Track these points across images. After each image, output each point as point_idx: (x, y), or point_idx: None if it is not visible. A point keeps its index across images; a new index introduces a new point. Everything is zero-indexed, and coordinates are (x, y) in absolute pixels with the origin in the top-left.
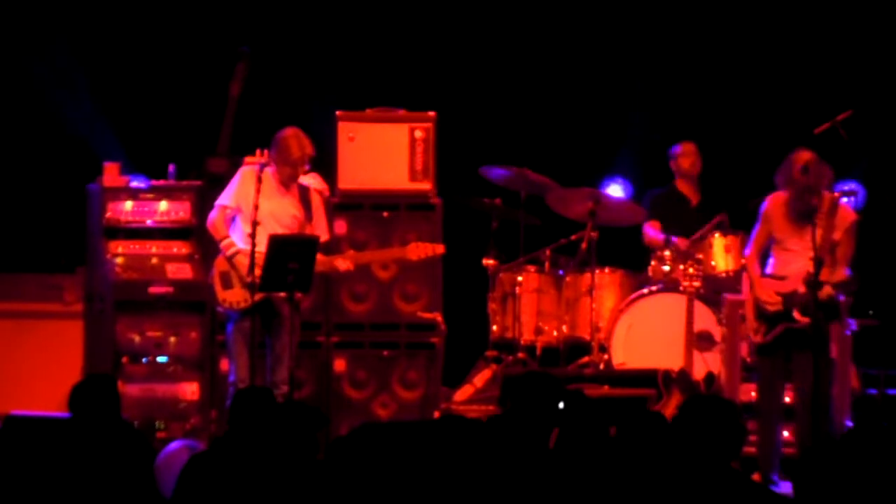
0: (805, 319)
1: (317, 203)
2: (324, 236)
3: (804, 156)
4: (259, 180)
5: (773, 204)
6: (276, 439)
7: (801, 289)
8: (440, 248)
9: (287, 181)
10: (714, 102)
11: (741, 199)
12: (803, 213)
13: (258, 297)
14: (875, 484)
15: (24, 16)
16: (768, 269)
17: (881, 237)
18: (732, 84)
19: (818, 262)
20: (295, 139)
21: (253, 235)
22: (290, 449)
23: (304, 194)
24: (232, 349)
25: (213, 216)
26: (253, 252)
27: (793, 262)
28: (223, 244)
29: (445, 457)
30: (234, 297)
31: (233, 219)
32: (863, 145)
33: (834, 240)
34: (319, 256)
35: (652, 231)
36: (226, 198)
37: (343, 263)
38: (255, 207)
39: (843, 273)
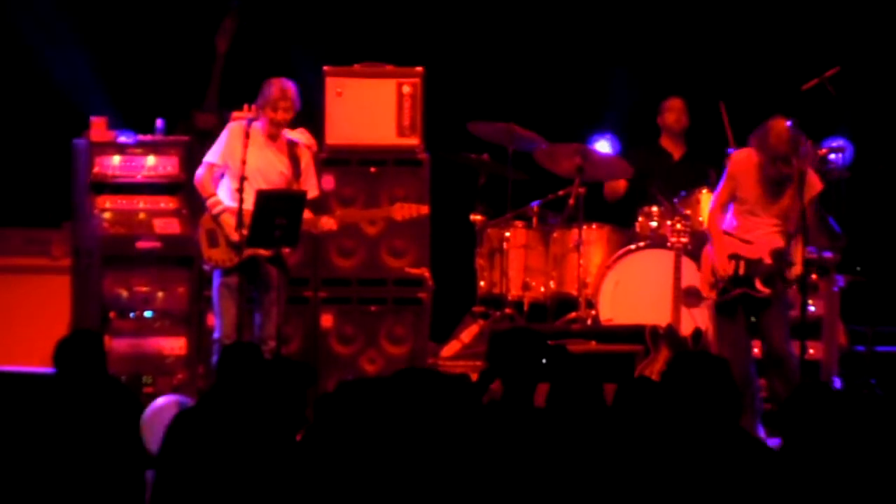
0: (766, 290)
1: (306, 159)
2: (312, 192)
3: (780, 124)
4: (247, 135)
5: (741, 163)
6: (265, 395)
7: (767, 259)
8: (424, 209)
9: (274, 132)
10: (702, 58)
11: (726, 154)
12: (775, 181)
13: (245, 254)
14: (862, 436)
15: None
16: (729, 227)
17: (868, 194)
18: (721, 40)
19: (788, 235)
20: (277, 82)
21: (241, 191)
22: (278, 405)
23: (292, 150)
24: (218, 306)
25: (201, 173)
26: (241, 209)
27: (758, 227)
28: (210, 202)
29: (430, 410)
30: (220, 255)
31: (221, 176)
32: (850, 102)
33: (801, 207)
34: (306, 214)
35: (610, 186)
36: (213, 155)
37: (327, 223)
38: (242, 163)
39: (798, 247)
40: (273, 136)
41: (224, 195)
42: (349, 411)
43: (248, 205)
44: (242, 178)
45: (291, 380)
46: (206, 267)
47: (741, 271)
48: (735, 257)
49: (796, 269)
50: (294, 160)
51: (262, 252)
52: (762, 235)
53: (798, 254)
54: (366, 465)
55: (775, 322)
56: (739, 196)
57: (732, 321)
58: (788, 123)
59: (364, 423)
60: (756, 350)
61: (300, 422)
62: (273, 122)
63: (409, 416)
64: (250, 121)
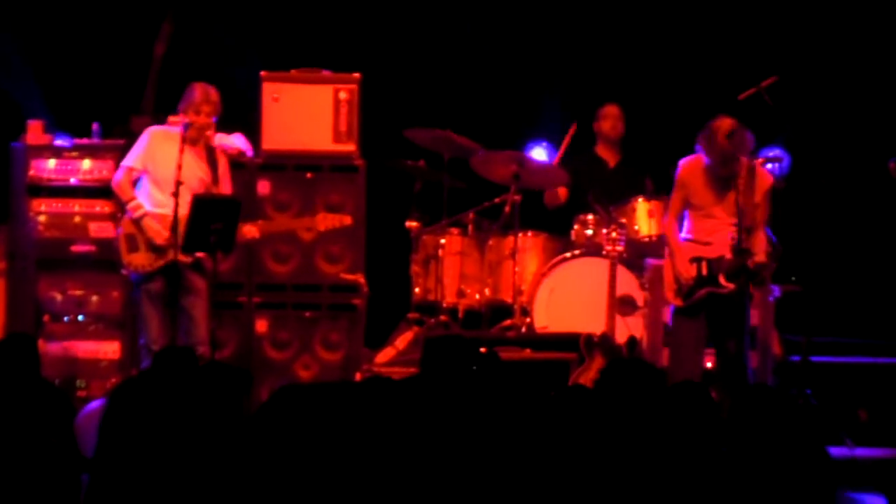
0: (730, 286)
1: (223, 164)
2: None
3: (728, 122)
4: (183, 140)
5: (689, 169)
6: (200, 400)
7: (728, 255)
8: (347, 219)
9: (195, 137)
10: (637, 66)
11: (663, 162)
12: (726, 179)
13: (165, 260)
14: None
15: None
16: (687, 234)
17: (805, 203)
18: (657, 48)
19: (744, 230)
20: (199, 86)
21: (176, 195)
22: (215, 410)
23: (210, 155)
24: (140, 312)
25: (119, 177)
26: (176, 214)
27: (716, 228)
28: (130, 206)
29: (367, 418)
30: (140, 260)
31: (137, 181)
32: (787, 111)
33: (754, 203)
34: None
35: (550, 195)
36: (131, 159)
37: (250, 231)
38: (178, 167)
39: (762, 237)
40: (193, 141)
41: (143, 200)
42: (289, 417)
43: (170, 210)
44: (178, 183)
45: (227, 385)
46: (124, 272)
47: (704, 272)
48: (696, 259)
49: (759, 257)
50: (213, 165)
51: (182, 258)
52: (721, 235)
53: (759, 244)
54: (304, 470)
55: (733, 329)
56: (693, 202)
57: (694, 327)
58: (733, 121)
59: (303, 428)
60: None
61: (236, 426)
62: (195, 125)
63: (344, 423)
64: (186, 126)
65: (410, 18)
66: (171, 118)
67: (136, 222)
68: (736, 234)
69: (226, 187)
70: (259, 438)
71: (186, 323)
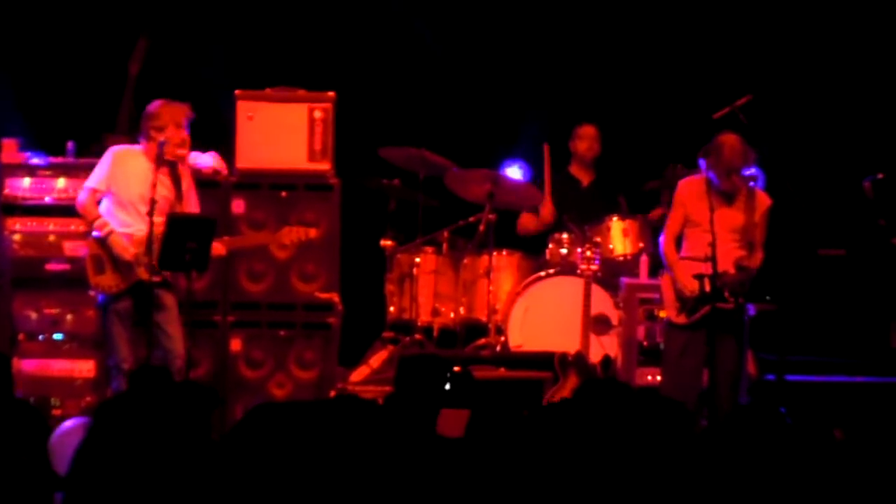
0: (734, 301)
1: (187, 180)
2: (194, 210)
3: (733, 138)
4: (158, 158)
5: (689, 188)
6: (171, 417)
7: (731, 270)
8: (312, 232)
9: (175, 155)
10: (610, 85)
11: (635, 181)
12: (727, 196)
13: (131, 281)
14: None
15: None
16: (685, 252)
17: (779, 221)
18: (631, 66)
19: (749, 246)
20: (171, 103)
21: (151, 214)
22: (183, 429)
23: (174, 172)
24: (109, 332)
25: (84, 198)
26: (151, 232)
27: (718, 244)
28: (96, 224)
29: (341, 437)
30: (108, 280)
31: (100, 201)
32: (762, 130)
33: (754, 222)
34: None
35: (524, 220)
36: (94, 180)
37: (216, 248)
38: (153, 186)
39: (760, 257)
40: (157, 159)
41: (108, 220)
42: (263, 436)
43: (136, 230)
44: (153, 201)
45: (196, 403)
46: (92, 293)
47: (707, 288)
48: (699, 276)
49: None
50: (176, 182)
51: (147, 277)
52: (723, 251)
53: (757, 263)
54: (278, 489)
55: (733, 346)
56: (693, 220)
57: (694, 343)
58: (738, 137)
59: (277, 447)
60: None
61: (206, 445)
62: (173, 143)
63: (324, 443)
64: (161, 143)
65: (384, 37)
66: (112, 139)
67: (103, 241)
68: (742, 251)
69: (191, 204)
70: (233, 457)
71: (162, 339)
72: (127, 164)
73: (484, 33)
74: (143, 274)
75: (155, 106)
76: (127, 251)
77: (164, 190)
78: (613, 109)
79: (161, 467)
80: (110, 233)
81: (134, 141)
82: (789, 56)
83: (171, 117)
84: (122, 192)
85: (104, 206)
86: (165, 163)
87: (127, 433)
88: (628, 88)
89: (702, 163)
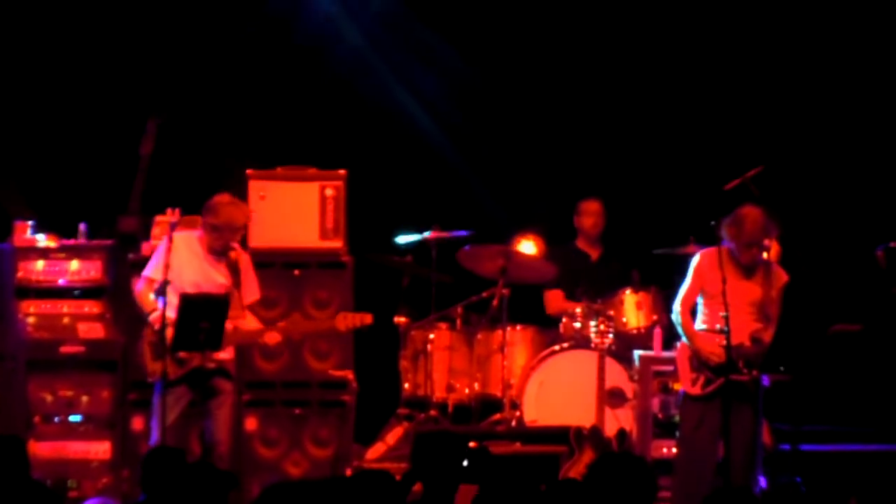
0: (751, 373)
1: (245, 263)
2: (253, 296)
3: (755, 211)
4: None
5: (707, 260)
6: (189, 500)
7: (747, 342)
8: (368, 318)
9: (214, 249)
10: (621, 158)
11: (643, 252)
12: (747, 268)
13: (188, 368)
14: None
15: None
16: (701, 323)
17: (793, 291)
18: (638, 141)
19: (766, 318)
20: (226, 208)
21: (163, 293)
22: None
23: (229, 258)
24: (158, 414)
25: (141, 288)
26: (164, 316)
27: (733, 315)
28: (151, 318)
29: None
30: (163, 367)
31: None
32: (774, 201)
33: (771, 296)
34: (254, 323)
35: (554, 301)
36: (151, 269)
37: (272, 337)
38: (166, 266)
39: (774, 329)
40: (214, 252)
41: (167, 307)
42: None
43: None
44: (165, 282)
45: (213, 485)
46: (150, 380)
47: (722, 359)
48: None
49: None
50: (233, 268)
51: (208, 364)
52: (738, 323)
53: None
54: None
55: (749, 418)
56: (709, 291)
57: (710, 414)
58: (761, 210)
59: None
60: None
61: None
62: (219, 243)
63: None
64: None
65: (395, 116)
66: (159, 218)
67: (159, 333)
68: (757, 323)
69: (250, 286)
70: None
71: (209, 423)
72: (180, 252)
73: (496, 110)
74: (202, 361)
75: (217, 202)
76: None
77: (221, 278)
78: (621, 181)
79: None
80: (165, 327)
81: (146, 222)
82: (799, 126)
83: (228, 222)
84: (175, 278)
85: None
86: (221, 252)
87: None
88: (636, 161)
89: (722, 234)
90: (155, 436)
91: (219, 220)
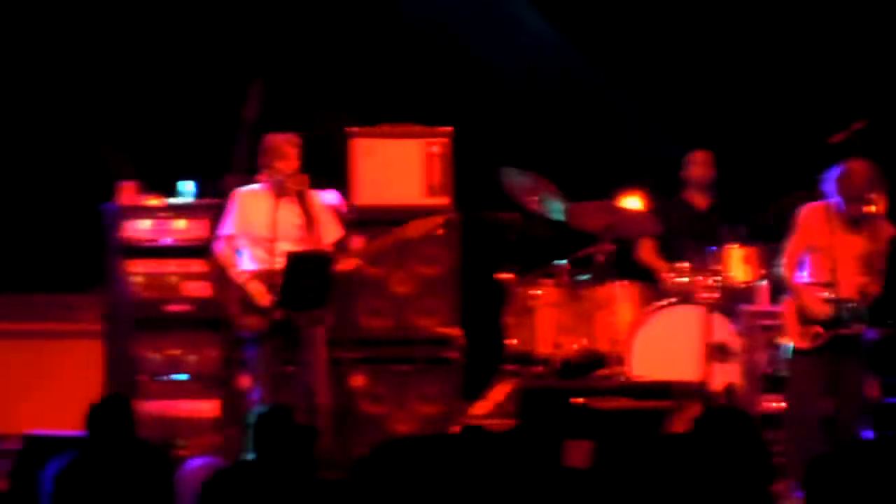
0: (861, 327)
1: (316, 204)
2: (334, 235)
3: (862, 164)
4: (277, 194)
5: (813, 214)
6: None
7: (855, 297)
8: (439, 219)
9: (286, 186)
10: (727, 111)
11: (754, 207)
12: (853, 221)
13: (277, 317)
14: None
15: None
16: (808, 277)
17: None
18: (745, 93)
19: (873, 272)
20: (274, 135)
21: (273, 252)
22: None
23: (301, 200)
24: (255, 371)
25: (220, 247)
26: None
27: (840, 269)
28: (233, 274)
29: (467, 470)
30: (253, 321)
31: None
32: (881, 155)
33: (878, 249)
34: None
35: (645, 253)
36: (226, 227)
37: (347, 264)
38: (273, 224)
39: (879, 286)
40: (283, 191)
41: (247, 262)
42: (389, 472)
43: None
44: (272, 242)
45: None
46: (241, 335)
47: (829, 313)
48: (830, 300)
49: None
50: (305, 209)
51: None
52: (845, 277)
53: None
54: None
55: (858, 372)
56: (815, 245)
57: (818, 369)
58: (868, 164)
59: (403, 483)
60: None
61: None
62: (283, 172)
63: (450, 477)
64: (273, 177)
65: (497, 72)
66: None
67: (243, 287)
68: (865, 277)
69: (327, 226)
70: (360, 494)
71: (306, 374)
72: (252, 204)
73: (600, 61)
74: (285, 313)
75: (265, 141)
76: (264, 297)
77: (295, 218)
78: (730, 136)
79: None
80: (246, 281)
81: (250, 181)
82: None
83: (275, 149)
84: (252, 231)
85: (243, 247)
86: (293, 193)
87: (251, 475)
88: (746, 113)
89: (827, 188)
90: (258, 392)
91: (276, 142)
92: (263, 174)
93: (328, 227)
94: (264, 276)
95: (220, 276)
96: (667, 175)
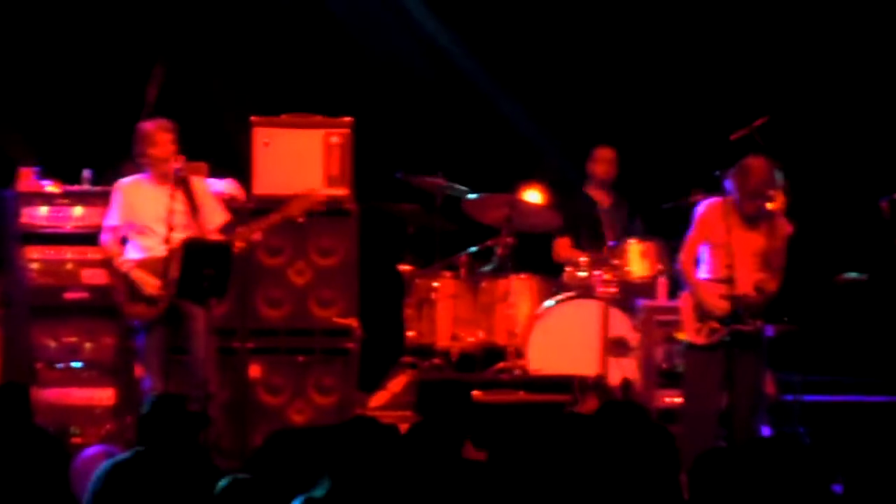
0: (756, 323)
1: (200, 189)
2: (220, 218)
3: (760, 161)
4: (178, 183)
5: (711, 210)
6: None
7: (752, 293)
8: (321, 196)
9: (160, 173)
10: (628, 106)
11: (652, 202)
12: (751, 218)
13: (163, 306)
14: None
15: None
16: (706, 273)
17: (798, 242)
18: (647, 88)
19: (770, 269)
20: (148, 121)
21: (168, 241)
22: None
23: (182, 186)
24: (145, 359)
25: (107, 238)
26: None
27: (737, 265)
28: (117, 262)
29: (360, 460)
30: (140, 309)
31: (123, 237)
32: (779, 151)
33: (775, 247)
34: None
35: (563, 251)
36: (110, 218)
37: (256, 235)
38: (170, 213)
39: (779, 280)
40: (161, 177)
41: (133, 250)
42: (282, 461)
43: (158, 251)
44: (171, 228)
45: (185, 427)
46: (129, 323)
47: (726, 309)
48: (727, 297)
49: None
50: (188, 195)
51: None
52: (743, 273)
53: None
54: None
55: (752, 367)
56: (713, 241)
57: (714, 365)
58: (765, 161)
59: (295, 472)
60: None
61: (210, 470)
62: (157, 159)
63: (342, 467)
64: (179, 170)
65: (399, 63)
66: (129, 167)
67: (127, 276)
68: (762, 274)
69: (213, 211)
70: (254, 483)
71: (193, 362)
72: (134, 193)
73: (503, 57)
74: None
75: (137, 129)
76: (149, 285)
77: (178, 204)
78: (631, 131)
79: (179, 495)
80: (130, 269)
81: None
82: (805, 76)
83: (146, 136)
84: (136, 218)
85: (129, 237)
86: (172, 180)
87: (145, 464)
88: (646, 109)
89: (727, 184)
90: (149, 381)
91: (147, 130)
92: (142, 162)
93: (213, 213)
94: (149, 265)
95: (110, 266)
96: (568, 168)
